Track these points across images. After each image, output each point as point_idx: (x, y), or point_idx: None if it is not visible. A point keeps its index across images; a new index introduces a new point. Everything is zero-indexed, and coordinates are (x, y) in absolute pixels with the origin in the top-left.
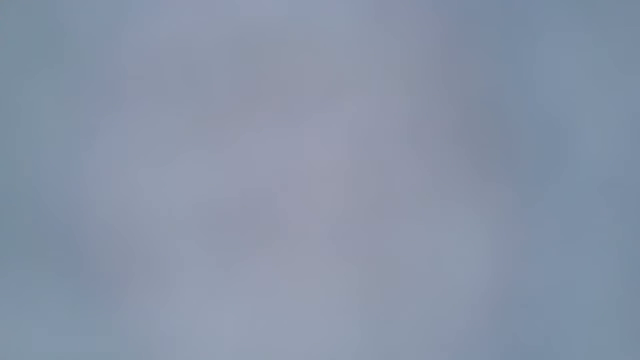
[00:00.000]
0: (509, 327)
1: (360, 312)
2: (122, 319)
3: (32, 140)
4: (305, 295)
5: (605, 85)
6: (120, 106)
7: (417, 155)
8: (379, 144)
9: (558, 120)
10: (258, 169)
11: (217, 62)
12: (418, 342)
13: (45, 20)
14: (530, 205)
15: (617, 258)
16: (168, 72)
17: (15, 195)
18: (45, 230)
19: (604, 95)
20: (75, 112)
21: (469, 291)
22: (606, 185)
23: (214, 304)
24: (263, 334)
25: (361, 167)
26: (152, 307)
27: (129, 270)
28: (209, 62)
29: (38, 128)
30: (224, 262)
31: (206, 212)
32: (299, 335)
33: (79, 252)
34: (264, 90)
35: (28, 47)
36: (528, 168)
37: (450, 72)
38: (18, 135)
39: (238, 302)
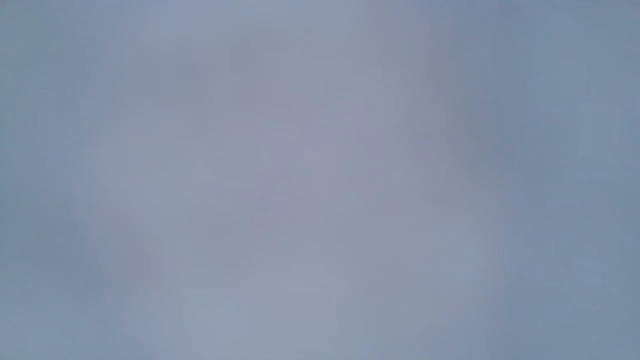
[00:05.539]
0: (508, 327)
1: (359, 312)
2: (122, 319)
3: (32, 140)
4: (305, 295)
5: (606, 86)
6: (120, 106)
7: (417, 155)
8: (378, 144)
9: (558, 121)
10: (258, 169)
11: (217, 62)
12: (418, 341)
13: (46, 20)
14: (530, 205)
15: (617, 258)
16: (168, 72)
17: (15, 194)
18: (45, 230)
19: (604, 95)
20: (75, 112)
21: (468, 291)
22: (606, 186)
23: (214, 303)
24: (263, 334)
25: (360, 167)
26: (152, 307)
27: (128, 270)
28: (209, 62)
29: (38, 128)
30: (224, 261)
31: (206, 212)
32: (299, 335)
33: (79, 252)
34: (264, 90)
35: (28, 47)
36: (528, 168)
37: (449, 72)
38: (18, 135)
39: (238, 302)
